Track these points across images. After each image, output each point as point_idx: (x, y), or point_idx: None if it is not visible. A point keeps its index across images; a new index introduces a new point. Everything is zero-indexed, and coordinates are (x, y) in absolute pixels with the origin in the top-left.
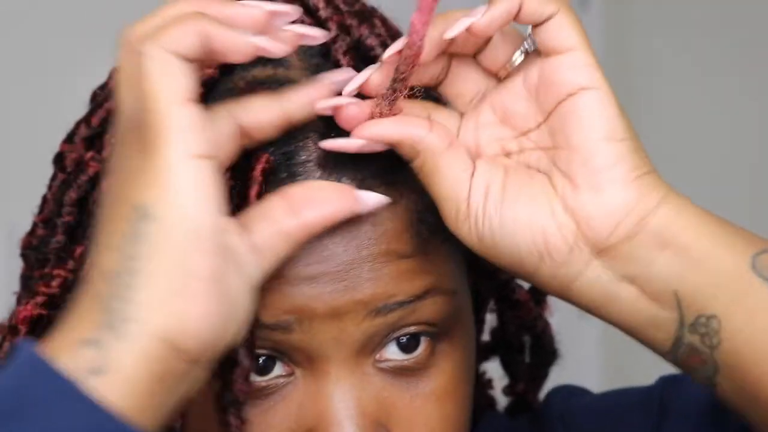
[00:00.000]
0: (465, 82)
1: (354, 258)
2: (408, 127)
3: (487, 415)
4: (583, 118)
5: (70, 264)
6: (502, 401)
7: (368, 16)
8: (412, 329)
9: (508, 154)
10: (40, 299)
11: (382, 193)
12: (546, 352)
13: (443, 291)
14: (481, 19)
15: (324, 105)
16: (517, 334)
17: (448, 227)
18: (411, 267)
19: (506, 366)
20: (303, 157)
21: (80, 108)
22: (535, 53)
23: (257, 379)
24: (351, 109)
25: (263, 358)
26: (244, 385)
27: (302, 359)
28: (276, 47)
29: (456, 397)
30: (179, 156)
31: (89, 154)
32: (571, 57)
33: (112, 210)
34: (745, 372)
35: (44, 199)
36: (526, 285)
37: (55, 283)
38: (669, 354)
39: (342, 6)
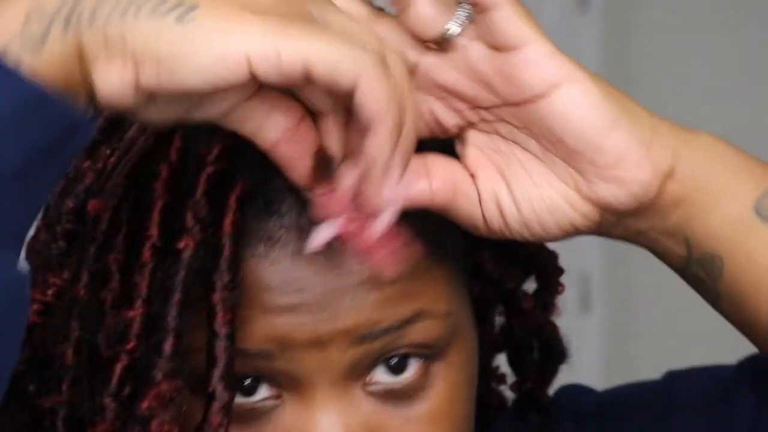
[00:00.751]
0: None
1: (335, 287)
2: (413, 195)
3: (497, 420)
4: (571, 122)
5: (66, 274)
6: (509, 396)
7: None
8: (401, 351)
9: (470, 124)
10: (36, 306)
11: None
12: (554, 353)
13: (434, 314)
14: None
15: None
16: (524, 337)
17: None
18: (397, 292)
19: (513, 364)
20: (279, 184)
21: None
22: (475, 34)
23: (244, 401)
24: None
25: (248, 380)
26: (222, 419)
27: (288, 383)
28: None
29: (452, 418)
30: None
31: (86, 164)
32: (530, 52)
33: None
34: (743, 302)
35: (47, 205)
36: (531, 289)
37: (50, 291)
38: (678, 274)
39: None
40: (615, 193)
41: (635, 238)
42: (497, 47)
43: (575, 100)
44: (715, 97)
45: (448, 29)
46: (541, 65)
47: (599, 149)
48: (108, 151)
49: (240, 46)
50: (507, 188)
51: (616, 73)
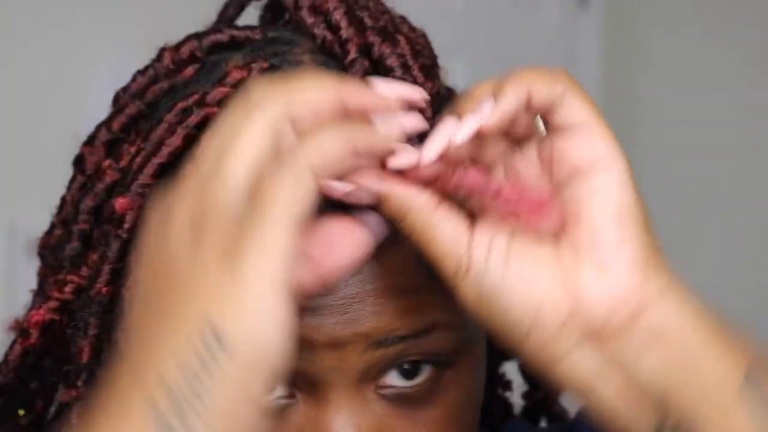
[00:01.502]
0: (486, 146)
1: (357, 291)
2: (397, 184)
3: (511, 424)
4: (596, 192)
5: (84, 270)
6: (519, 402)
7: (392, 32)
8: (415, 358)
9: None
10: (53, 304)
11: (391, 231)
12: None
13: (450, 325)
14: (490, 118)
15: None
16: None
17: (447, 283)
18: (416, 302)
19: (526, 374)
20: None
21: (82, 110)
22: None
23: None
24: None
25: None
26: None
27: (303, 383)
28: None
29: (460, 424)
30: (274, 287)
31: (107, 162)
32: (584, 131)
33: (185, 310)
34: None
35: (63, 200)
36: None
37: (68, 288)
38: None
39: (367, 21)
40: (599, 285)
41: (599, 387)
42: (559, 128)
43: (608, 179)
44: (715, 97)
45: (538, 128)
46: (592, 145)
47: (605, 225)
48: (133, 150)
49: (273, 315)
50: (508, 240)
51: (615, 73)
